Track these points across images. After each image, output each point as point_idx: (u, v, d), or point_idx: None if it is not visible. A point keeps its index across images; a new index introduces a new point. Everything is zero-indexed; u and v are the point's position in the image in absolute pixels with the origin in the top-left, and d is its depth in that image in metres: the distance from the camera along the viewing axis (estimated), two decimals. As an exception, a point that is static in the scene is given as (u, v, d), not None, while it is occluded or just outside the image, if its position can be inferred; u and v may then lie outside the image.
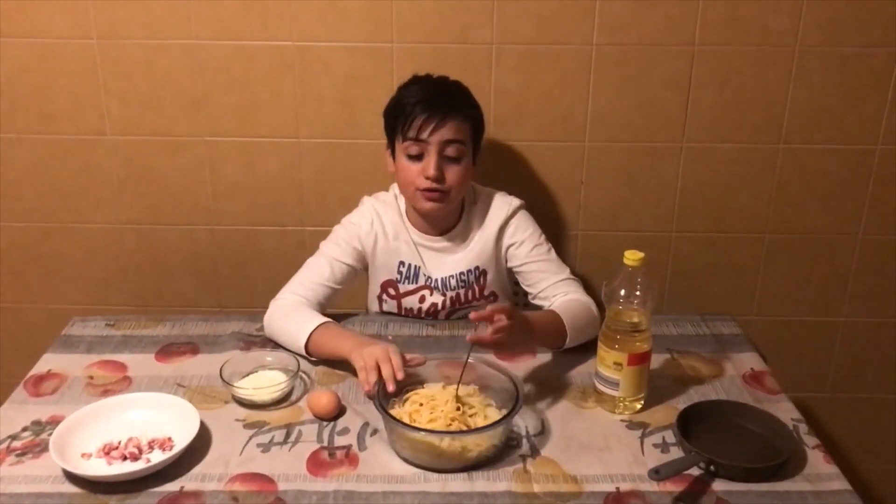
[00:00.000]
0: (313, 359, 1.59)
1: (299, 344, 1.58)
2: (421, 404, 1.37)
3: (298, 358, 1.54)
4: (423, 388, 1.43)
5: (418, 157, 1.61)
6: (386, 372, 1.37)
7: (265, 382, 1.48)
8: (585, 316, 1.60)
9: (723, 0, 1.79)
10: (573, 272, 1.72)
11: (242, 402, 1.47)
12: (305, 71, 1.87)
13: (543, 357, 1.61)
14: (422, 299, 1.76)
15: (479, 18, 1.82)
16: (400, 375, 1.37)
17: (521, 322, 1.43)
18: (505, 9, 1.81)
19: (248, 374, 1.51)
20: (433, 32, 1.83)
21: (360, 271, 1.75)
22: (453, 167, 1.61)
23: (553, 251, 1.74)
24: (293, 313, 1.64)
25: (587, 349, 1.56)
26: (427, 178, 1.59)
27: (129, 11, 1.82)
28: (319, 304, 1.67)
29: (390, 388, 1.36)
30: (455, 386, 1.39)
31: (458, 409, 1.35)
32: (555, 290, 1.67)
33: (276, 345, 1.65)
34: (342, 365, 1.57)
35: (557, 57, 1.85)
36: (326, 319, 1.61)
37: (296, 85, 1.88)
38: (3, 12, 1.82)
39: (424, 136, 1.58)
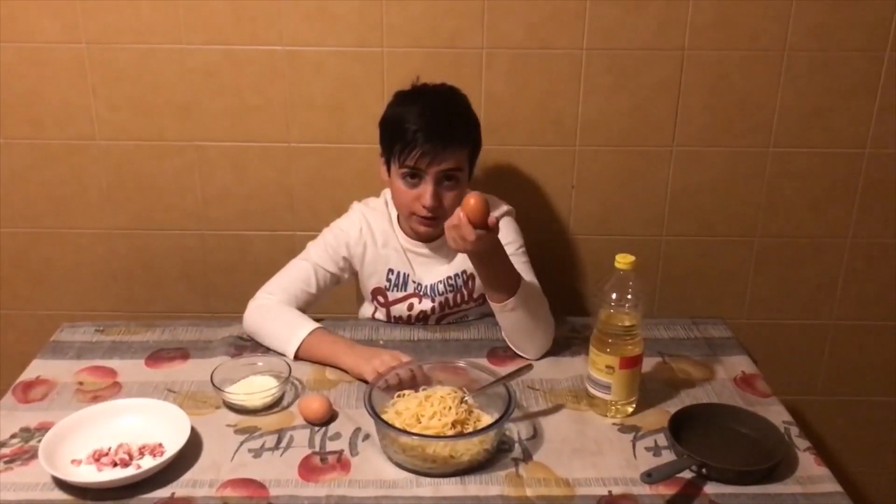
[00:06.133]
0: (297, 360, 1.60)
1: (289, 347, 1.59)
2: (428, 397, 1.38)
3: (290, 363, 1.53)
4: (417, 392, 1.42)
5: (414, 182, 1.60)
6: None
7: (256, 388, 1.47)
8: (541, 302, 1.60)
9: (712, 5, 1.80)
10: (564, 276, 1.72)
11: (233, 408, 1.46)
12: (295, 76, 1.87)
13: (535, 361, 1.61)
14: (410, 307, 1.75)
15: (469, 23, 1.82)
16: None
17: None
18: (495, 13, 1.81)
19: (239, 380, 1.50)
20: (423, 37, 1.83)
21: (344, 279, 1.75)
22: (450, 193, 1.61)
23: (529, 264, 1.71)
24: (282, 314, 1.64)
25: (578, 352, 1.56)
26: (424, 206, 1.59)
27: (119, 16, 1.82)
28: (299, 308, 1.67)
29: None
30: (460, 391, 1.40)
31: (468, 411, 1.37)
32: None
33: (267, 350, 1.64)
34: (333, 370, 1.57)
35: (548, 61, 1.85)
36: (318, 325, 1.61)
37: (286, 90, 1.88)
38: (-8, 17, 1.82)
39: (422, 166, 1.57)
